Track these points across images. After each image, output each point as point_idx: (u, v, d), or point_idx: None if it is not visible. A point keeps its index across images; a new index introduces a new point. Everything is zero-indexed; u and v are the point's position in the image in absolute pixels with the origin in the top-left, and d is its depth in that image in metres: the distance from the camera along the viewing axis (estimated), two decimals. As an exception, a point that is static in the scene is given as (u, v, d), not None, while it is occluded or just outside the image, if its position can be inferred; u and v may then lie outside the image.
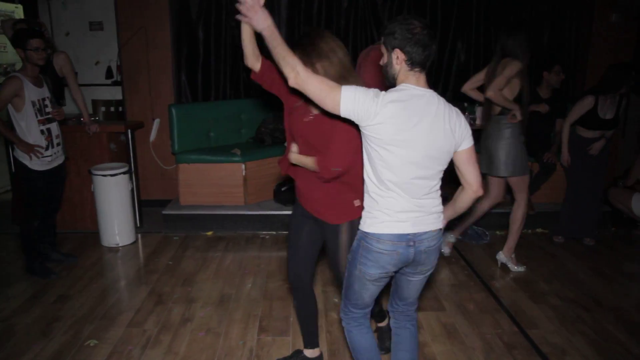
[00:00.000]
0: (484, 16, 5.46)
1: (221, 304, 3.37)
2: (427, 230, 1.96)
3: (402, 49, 1.85)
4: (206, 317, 3.20)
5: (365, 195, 1.99)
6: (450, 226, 3.48)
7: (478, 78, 3.89)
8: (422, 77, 1.91)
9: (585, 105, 4.20)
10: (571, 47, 5.56)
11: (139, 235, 4.63)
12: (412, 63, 1.86)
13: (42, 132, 3.65)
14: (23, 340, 2.94)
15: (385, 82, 2.00)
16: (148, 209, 5.13)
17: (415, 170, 1.87)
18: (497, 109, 3.70)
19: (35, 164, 3.64)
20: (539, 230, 4.80)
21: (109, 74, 5.88)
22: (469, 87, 3.95)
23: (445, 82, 5.60)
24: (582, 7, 5.45)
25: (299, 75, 1.85)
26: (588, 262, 4.11)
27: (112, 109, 5.58)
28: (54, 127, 3.77)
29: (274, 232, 4.66)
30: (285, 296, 3.49)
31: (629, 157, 5.35)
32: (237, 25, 5.24)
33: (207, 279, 3.76)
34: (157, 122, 5.19)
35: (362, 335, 2.19)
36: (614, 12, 5.31)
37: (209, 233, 4.69)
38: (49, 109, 3.71)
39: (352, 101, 1.82)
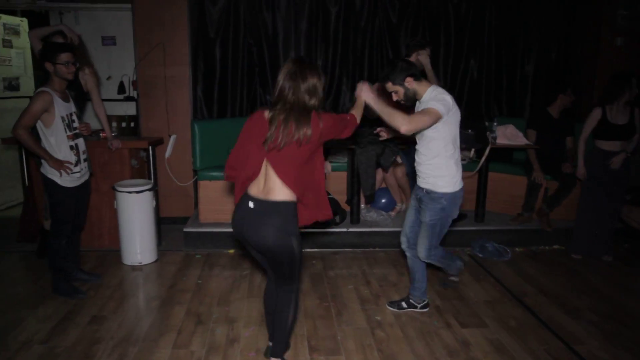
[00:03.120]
0: (495, 37, 5.60)
1: (264, 324, 3.27)
2: None
3: (411, 76, 2.98)
4: (252, 337, 3.14)
5: (449, 165, 3.09)
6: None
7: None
8: None
9: (594, 117, 4.36)
10: (577, 68, 5.74)
11: (159, 254, 4.52)
12: (418, 77, 3.03)
13: (71, 147, 3.56)
14: (67, 363, 2.83)
15: (408, 103, 3.10)
16: (164, 226, 5.03)
17: None
18: None
19: (66, 181, 3.54)
20: (555, 247, 4.88)
21: (121, 89, 5.79)
22: None
23: (458, 100, 5.67)
24: (588, 30, 5.65)
25: (410, 122, 2.74)
26: (610, 278, 4.19)
27: (124, 124, 5.50)
28: (81, 142, 3.68)
29: (297, 250, 4.62)
30: (326, 314, 3.46)
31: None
32: (255, 43, 5.29)
33: (243, 298, 3.69)
34: (173, 138, 5.12)
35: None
36: (618, 36, 5.52)
37: (231, 251, 4.62)
38: (76, 124, 3.63)
39: (443, 107, 2.87)
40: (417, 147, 3.18)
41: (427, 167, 3.10)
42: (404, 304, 3.54)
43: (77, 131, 3.62)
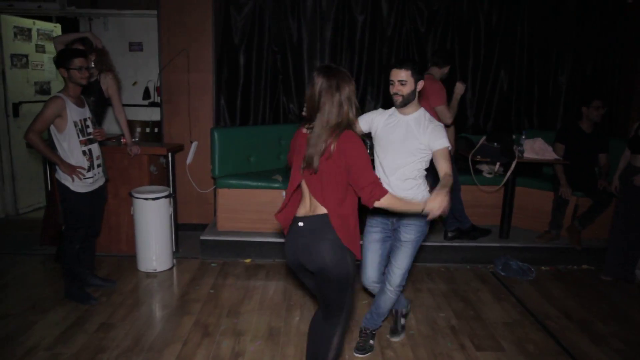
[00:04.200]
0: (527, 47, 5.40)
1: (271, 338, 3.23)
2: None
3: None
4: (257, 352, 3.07)
5: (423, 188, 2.82)
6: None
7: None
8: None
9: (633, 129, 4.15)
10: (615, 80, 5.48)
11: (175, 261, 4.51)
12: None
13: (84, 153, 3.56)
14: (70, 371, 2.83)
15: (400, 105, 2.74)
16: (182, 232, 5.03)
17: None
18: None
19: (78, 186, 3.55)
20: (584, 267, 4.65)
21: (146, 94, 5.84)
22: None
23: (487, 111, 5.52)
24: (627, 41, 5.39)
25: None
26: (642, 302, 3.96)
27: (148, 129, 5.53)
28: (95, 147, 3.68)
29: (314, 261, 4.54)
30: (336, 331, 3.35)
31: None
32: (279, 50, 5.23)
33: (253, 310, 3.63)
34: (195, 144, 5.12)
35: None
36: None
37: (248, 260, 4.57)
38: (90, 130, 3.63)
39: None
40: (398, 176, 2.80)
41: (413, 190, 2.79)
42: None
43: (90, 136, 3.63)
